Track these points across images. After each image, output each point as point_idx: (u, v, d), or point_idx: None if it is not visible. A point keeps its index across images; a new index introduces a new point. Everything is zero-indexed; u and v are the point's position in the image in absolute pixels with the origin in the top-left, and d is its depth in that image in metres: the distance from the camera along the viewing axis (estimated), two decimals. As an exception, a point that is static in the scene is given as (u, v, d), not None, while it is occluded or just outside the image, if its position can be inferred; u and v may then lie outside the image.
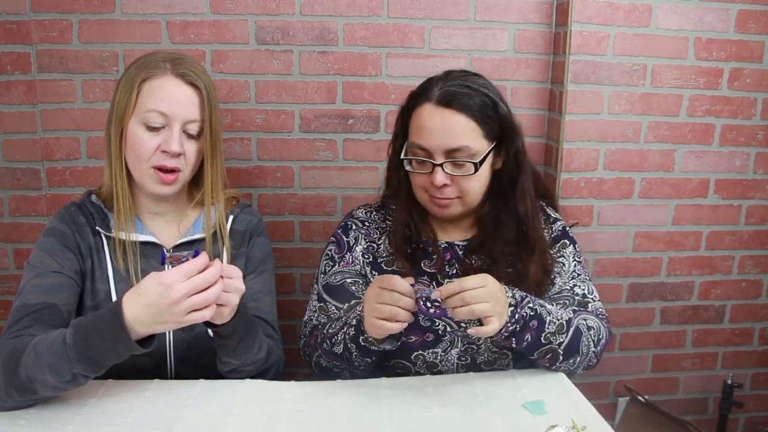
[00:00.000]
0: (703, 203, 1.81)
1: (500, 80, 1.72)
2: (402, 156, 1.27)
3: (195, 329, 1.21)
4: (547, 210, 1.40)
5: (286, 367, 1.33)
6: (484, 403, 1.11)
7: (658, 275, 1.84)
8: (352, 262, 1.33)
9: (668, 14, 1.65)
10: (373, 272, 1.32)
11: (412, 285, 1.07)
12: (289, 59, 1.67)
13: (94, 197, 1.26)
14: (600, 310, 1.30)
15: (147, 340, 1.00)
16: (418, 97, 1.24)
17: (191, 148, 1.20)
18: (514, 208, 1.28)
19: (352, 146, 1.74)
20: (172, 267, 0.98)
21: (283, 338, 1.33)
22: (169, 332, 1.23)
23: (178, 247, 1.25)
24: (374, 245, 1.34)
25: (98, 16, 1.60)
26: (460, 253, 1.32)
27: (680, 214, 1.80)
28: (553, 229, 1.35)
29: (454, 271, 1.31)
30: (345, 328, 1.18)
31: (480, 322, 1.07)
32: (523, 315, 1.13)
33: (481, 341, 1.26)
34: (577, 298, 1.28)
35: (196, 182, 1.29)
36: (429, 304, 1.06)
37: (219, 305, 1.02)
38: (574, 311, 1.24)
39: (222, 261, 1.26)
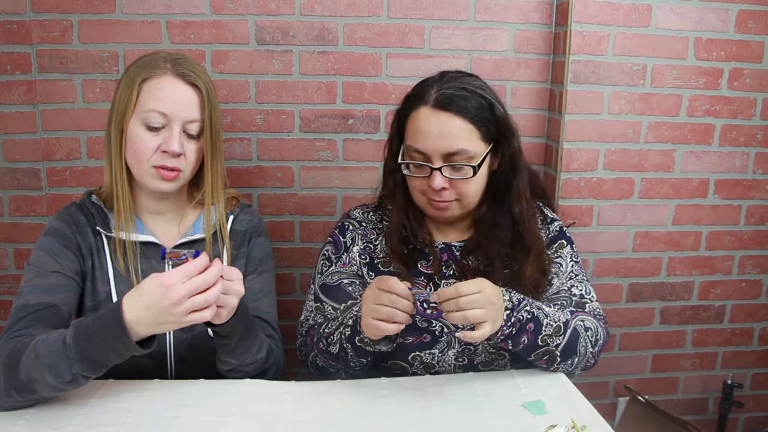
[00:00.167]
0: (703, 203, 1.81)
1: (500, 80, 1.72)
2: (399, 160, 1.26)
3: (195, 329, 1.21)
4: (544, 210, 1.40)
5: (286, 367, 1.33)
6: (483, 403, 1.11)
7: (658, 275, 1.84)
8: (349, 262, 1.33)
9: (668, 14, 1.65)
10: (370, 273, 1.32)
11: (409, 288, 1.07)
12: (289, 59, 1.67)
13: (94, 197, 1.26)
14: (598, 310, 1.30)
15: (147, 341, 1.00)
16: (414, 100, 1.23)
17: (191, 148, 1.20)
18: (509, 210, 1.27)
19: (352, 146, 1.74)
20: (172, 263, 0.98)
21: (283, 338, 1.33)
22: (170, 332, 1.23)
23: (178, 247, 1.25)
24: (371, 246, 1.34)
25: (98, 16, 1.60)
26: (457, 254, 1.32)
27: (680, 214, 1.80)
28: (551, 229, 1.35)
29: (451, 272, 1.31)
30: (341, 328, 1.18)
31: (472, 327, 1.07)
32: (519, 318, 1.13)
33: (478, 342, 1.25)
34: (574, 298, 1.28)
35: (196, 182, 1.29)
36: (426, 306, 1.07)
37: (218, 306, 1.02)
38: (572, 312, 1.24)
39: (222, 261, 1.27)
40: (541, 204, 1.40)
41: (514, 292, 1.17)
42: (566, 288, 1.30)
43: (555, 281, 1.30)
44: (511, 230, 1.28)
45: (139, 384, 1.14)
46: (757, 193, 1.83)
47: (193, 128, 1.19)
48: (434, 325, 1.25)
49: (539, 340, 1.16)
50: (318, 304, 1.31)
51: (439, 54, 1.70)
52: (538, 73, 1.75)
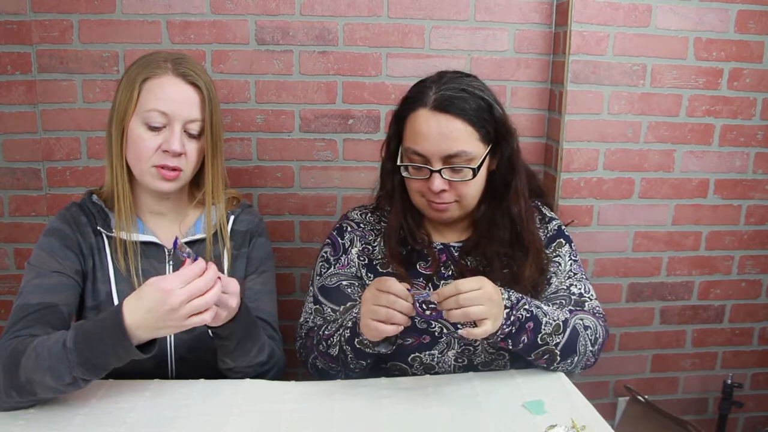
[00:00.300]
0: (703, 203, 1.81)
1: (500, 80, 1.72)
2: (398, 162, 1.26)
3: (196, 330, 1.21)
4: (543, 209, 1.39)
5: (287, 367, 1.33)
6: (483, 403, 1.11)
7: (658, 275, 1.84)
8: (348, 264, 1.32)
9: (668, 14, 1.65)
10: (369, 274, 1.31)
11: (408, 289, 1.07)
12: (289, 59, 1.67)
13: (95, 197, 1.26)
14: (597, 309, 1.30)
15: (148, 346, 1.00)
16: (412, 102, 1.22)
17: (192, 147, 1.20)
18: (508, 209, 1.27)
19: (352, 146, 1.74)
20: (180, 255, 1.00)
21: (283, 338, 1.33)
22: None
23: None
24: (369, 247, 1.34)
25: (98, 16, 1.60)
26: (456, 254, 1.32)
27: (680, 214, 1.81)
28: (549, 228, 1.35)
29: (450, 273, 1.31)
30: (341, 330, 1.18)
31: (474, 324, 1.07)
32: (518, 317, 1.13)
33: (477, 343, 1.25)
34: (573, 297, 1.28)
35: (196, 182, 1.29)
36: (425, 307, 1.07)
37: (216, 306, 1.02)
38: (571, 311, 1.24)
39: (223, 262, 1.27)
40: (539, 203, 1.40)
41: (513, 291, 1.17)
42: (565, 287, 1.29)
43: (554, 280, 1.30)
44: (510, 230, 1.28)
45: (139, 384, 1.14)
46: (757, 193, 1.83)
47: (194, 128, 1.19)
48: (433, 326, 1.25)
49: (539, 339, 1.16)
50: (317, 306, 1.31)
51: (439, 54, 1.70)
52: (538, 73, 1.75)
